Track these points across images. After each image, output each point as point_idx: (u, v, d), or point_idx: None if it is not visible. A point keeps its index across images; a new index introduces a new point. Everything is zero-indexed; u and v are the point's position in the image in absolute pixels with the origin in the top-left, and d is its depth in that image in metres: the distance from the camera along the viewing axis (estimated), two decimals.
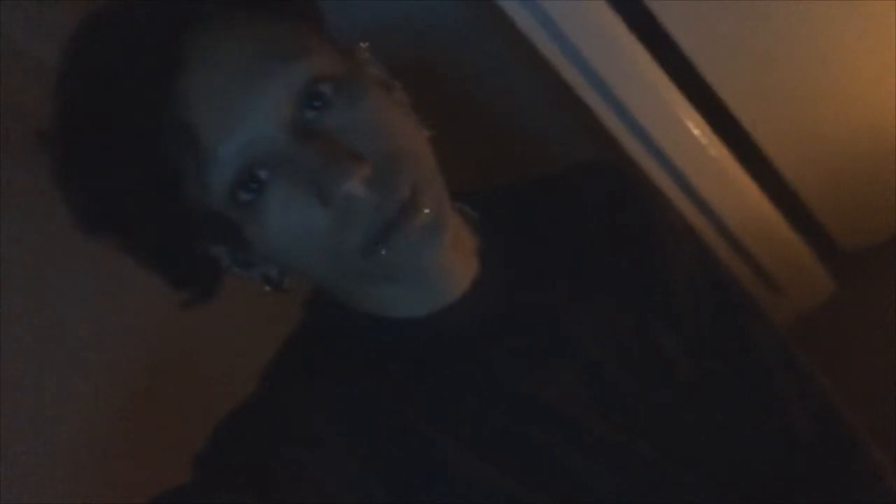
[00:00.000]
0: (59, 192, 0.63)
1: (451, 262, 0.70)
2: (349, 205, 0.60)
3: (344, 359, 0.72)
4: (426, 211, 0.62)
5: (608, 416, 0.73)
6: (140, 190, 0.61)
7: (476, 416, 0.71)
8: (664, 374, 0.76)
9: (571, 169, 0.85)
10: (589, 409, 0.73)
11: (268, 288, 0.69)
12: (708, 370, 0.77)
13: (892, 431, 0.98)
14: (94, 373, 1.24)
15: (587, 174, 0.84)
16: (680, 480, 0.74)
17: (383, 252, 0.62)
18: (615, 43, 1.55)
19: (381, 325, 0.72)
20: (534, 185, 0.85)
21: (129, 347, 1.28)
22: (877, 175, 1.73)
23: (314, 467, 0.64)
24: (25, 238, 1.14)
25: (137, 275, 0.67)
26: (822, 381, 0.82)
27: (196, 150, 0.60)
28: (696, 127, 1.65)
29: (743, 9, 1.56)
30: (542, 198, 0.82)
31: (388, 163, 0.62)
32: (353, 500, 0.64)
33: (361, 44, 0.71)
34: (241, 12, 0.62)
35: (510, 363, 0.73)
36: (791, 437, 0.78)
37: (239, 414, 0.69)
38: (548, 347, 0.74)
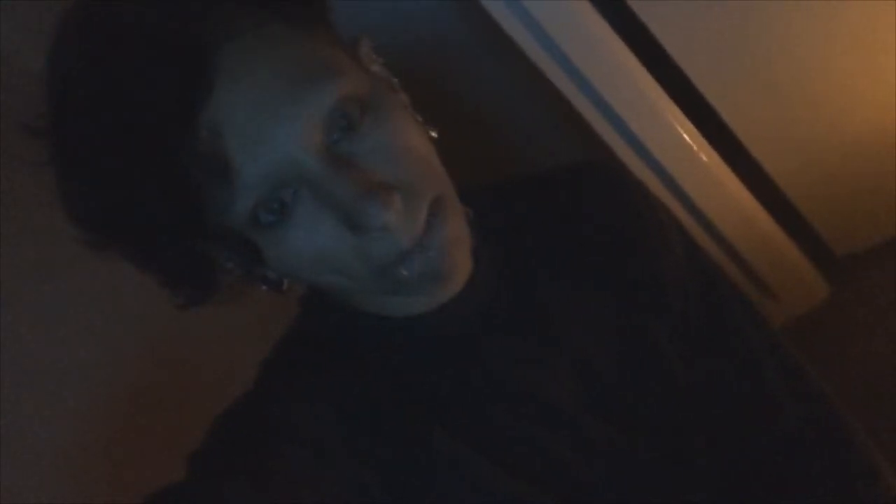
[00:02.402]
0: (65, 208, 0.60)
1: (466, 267, 0.71)
2: (379, 233, 0.60)
3: (340, 356, 0.72)
4: (445, 230, 0.63)
5: (604, 413, 0.73)
6: (158, 212, 0.59)
7: (473, 413, 0.71)
8: (659, 371, 0.76)
9: (564, 167, 0.85)
10: (584, 406, 0.73)
11: (265, 287, 0.69)
12: (701, 367, 0.78)
13: (889, 432, 0.98)
14: (94, 372, 1.23)
15: (580, 173, 0.84)
16: (676, 477, 0.74)
17: (402, 271, 0.62)
18: (605, 50, 1.56)
19: (378, 324, 0.72)
20: (526, 183, 0.85)
21: (128, 347, 1.28)
22: (869, 179, 1.73)
23: (311, 465, 0.64)
24: (25, 238, 1.13)
25: (137, 275, 0.66)
26: (816, 378, 0.82)
27: (221, 173, 0.58)
28: (687, 133, 1.65)
29: (732, 14, 1.57)
30: (535, 196, 0.82)
31: (412, 187, 0.62)
32: (351, 498, 0.64)
33: (364, 39, 0.70)
34: (270, 28, 0.59)
35: (506, 361, 0.73)
36: (785, 433, 0.78)
37: (235, 411, 0.68)
38: (543, 345, 0.74)
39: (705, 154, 1.68)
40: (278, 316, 0.76)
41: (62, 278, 1.19)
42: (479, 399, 0.71)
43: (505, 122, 1.83)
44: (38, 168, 0.60)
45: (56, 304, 1.23)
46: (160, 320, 1.12)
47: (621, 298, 0.77)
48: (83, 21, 0.60)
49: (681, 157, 1.67)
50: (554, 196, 0.82)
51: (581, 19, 1.52)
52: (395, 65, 0.72)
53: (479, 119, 1.79)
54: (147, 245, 0.63)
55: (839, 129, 1.70)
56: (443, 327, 0.72)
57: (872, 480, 0.78)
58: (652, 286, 0.79)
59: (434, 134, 0.69)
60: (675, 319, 0.78)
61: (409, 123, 0.66)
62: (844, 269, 1.86)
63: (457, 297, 0.71)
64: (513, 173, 0.86)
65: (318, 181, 0.60)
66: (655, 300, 0.78)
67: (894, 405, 1.48)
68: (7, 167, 0.98)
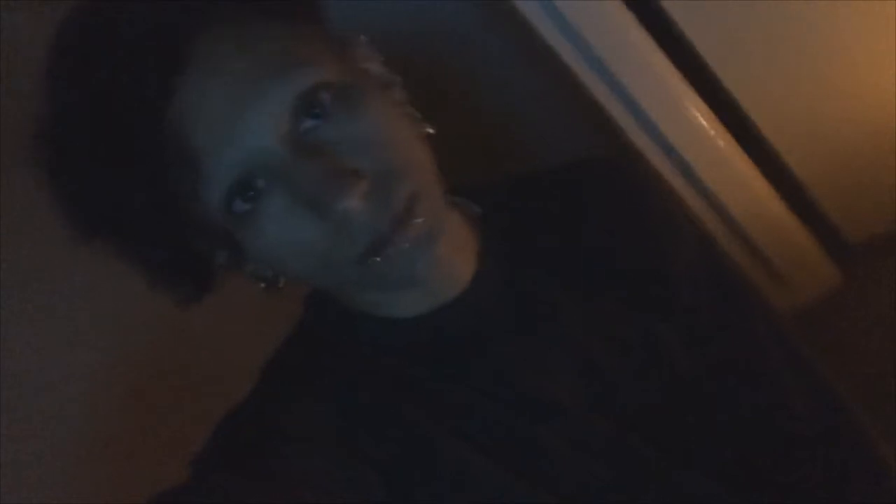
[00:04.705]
0: (52, 201, 0.62)
1: (448, 264, 0.71)
2: (345, 218, 0.60)
3: (343, 357, 0.73)
4: (419, 221, 0.62)
5: (607, 413, 0.73)
6: (136, 203, 0.60)
7: (475, 413, 0.71)
8: (664, 372, 0.76)
9: (573, 164, 0.85)
10: (588, 406, 0.73)
11: (262, 285, 0.69)
12: (709, 365, 0.77)
13: None
14: (93, 372, 1.24)
15: (589, 170, 0.84)
16: (680, 476, 0.74)
17: (378, 260, 0.62)
18: (622, 34, 1.55)
19: (380, 324, 0.73)
20: (535, 180, 0.84)
21: (128, 348, 1.28)
22: (883, 166, 1.72)
23: (313, 466, 0.64)
24: (25, 238, 1.14)
25: (136, 275, 0.66)
26: (827, 374, 0.81)
27: (192, 163, 0.59)
28: (703, 117, 1.65)
29: (750, 1, 1.56)
30: (544, 192, 0.82)
31: (385, 176, 0.62)
32: (353, 499, 0.64)
33: (361, 37, 0.70)
34: (244, 19, 0.61)
35: (509, 360, 0.73)
36: (794, 431, 0.78)
37: (237, 413, 0.69)
38: (547, 344, 0.74)
39: (721, 140, 1.68)
40: (279, 317, 0.76)
41: (62, 278, 1.19)
42: (481, 399, 0.71)
43: (523, 115, 1.82)
44: (37, 168, 0.61)
45: (56, 305, 1.23)
46: (160, 321, 1.12)
47: (628, 298, 0.77)
48: (72, 19, 0.62)
49: (696, 143, 1.66)
50: (561, 194, 0.82)
51: (599, 5, 1.51)
52: (411, 61, 0.72)
53: (495, 109, 1.78)
54: (130, 238, 0.63)
55: (854, 116, 1.69)
56: (447, 326, 0.72)
57: (883, 479, 0.78)
58: (660, 285, 0.78)
59: (431, 131, 0.69)
60: (684, 318, 0.78)
61: (391, 116, 0.65)
62: (858, 258, 1.85)
63: (461, 296, 0.72)
64: (520, 169, 0.86)
65: (285, 169, 0.60)
66: (663, 299, 0.78)
67: None
68: (7, 167, 0.98)
